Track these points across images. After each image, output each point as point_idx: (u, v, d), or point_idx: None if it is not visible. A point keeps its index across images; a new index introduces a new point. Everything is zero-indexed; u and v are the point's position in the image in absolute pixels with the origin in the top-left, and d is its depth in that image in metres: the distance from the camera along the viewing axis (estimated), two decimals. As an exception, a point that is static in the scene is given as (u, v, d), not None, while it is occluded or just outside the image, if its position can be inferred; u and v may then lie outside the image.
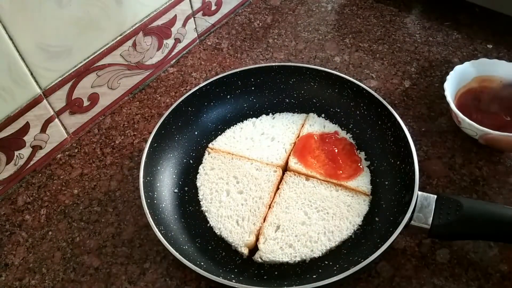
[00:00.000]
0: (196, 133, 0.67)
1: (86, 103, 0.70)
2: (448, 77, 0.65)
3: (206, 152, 0.65)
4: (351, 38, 0.82)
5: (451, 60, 0.76)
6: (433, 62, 0.76)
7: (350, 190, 0.59)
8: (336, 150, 0.63)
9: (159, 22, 0.74)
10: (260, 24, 0.87)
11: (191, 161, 0.65)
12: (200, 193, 0.61)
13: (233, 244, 0.56)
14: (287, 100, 0.70)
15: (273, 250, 0.55)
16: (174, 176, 0.63)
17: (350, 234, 0.56)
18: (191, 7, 0.79)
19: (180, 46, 0.81)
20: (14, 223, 0.63)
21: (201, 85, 0.67)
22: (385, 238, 0.50)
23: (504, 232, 0.50)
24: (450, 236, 0.52)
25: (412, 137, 0.58)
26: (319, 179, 0.60)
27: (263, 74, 0.69)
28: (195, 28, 0.82)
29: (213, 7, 0.84)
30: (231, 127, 0.68)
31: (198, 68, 0.80)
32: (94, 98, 0.71)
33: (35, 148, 0.66)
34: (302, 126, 0.67)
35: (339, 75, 0.67)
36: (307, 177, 0.61)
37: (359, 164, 0.62)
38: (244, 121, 0.68)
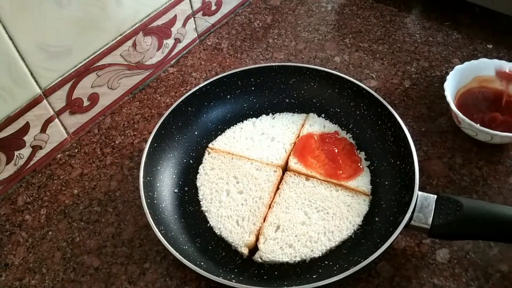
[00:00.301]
0: (196, 133, 0.67)
1: (86, 103, 0.70)
2: (448, 77, 0.65)
3: (206, 152, 0.65)
4: (351, 38, 0.82)
5: (451, 60, 0.76)
6: (433, 62, 0.76)
7: (350, 190, 0.59)
8: (336, 150, 0.63)
9: (159, 22, 0.74)
10: (260, 24, 0.87)
11: (191, 161, 0.65)
12: (200, 193, 0.61)
13: (233, 244, 0.56)
14: (287, 100, 0.70)
15: (273, 250, 0.55)
16: (174, 176, 0.63)
17: (350, 234, 0.56)
18: (191, 7, 0.79)
19: (180, 46, 0.81)
20: (14, 223, 0.63)
21: (201, 85, 0.67)
22: (385, 238, 0.50)
23: (504, 232, 0.50)
24: (450, 236, 0.52)
25: (412, 137, 0.58)
26: (319, 179, 0.60)
27: (263, 74, 0.69)
28: (195, 28, 0.82)
29: (213, 7, 0.84)
30: (231, 127, 0.68)
31: (198, 68, 0.80)
32: (94, 98, 0.71)
33: (35, 148, 0.66)
34: (302, 126, 0.67)
35: (339, 75, 0.67)
36: (307, 177, 0.61)
37: (359, 164, 0.62)
38: (244, 121, 0.68)
